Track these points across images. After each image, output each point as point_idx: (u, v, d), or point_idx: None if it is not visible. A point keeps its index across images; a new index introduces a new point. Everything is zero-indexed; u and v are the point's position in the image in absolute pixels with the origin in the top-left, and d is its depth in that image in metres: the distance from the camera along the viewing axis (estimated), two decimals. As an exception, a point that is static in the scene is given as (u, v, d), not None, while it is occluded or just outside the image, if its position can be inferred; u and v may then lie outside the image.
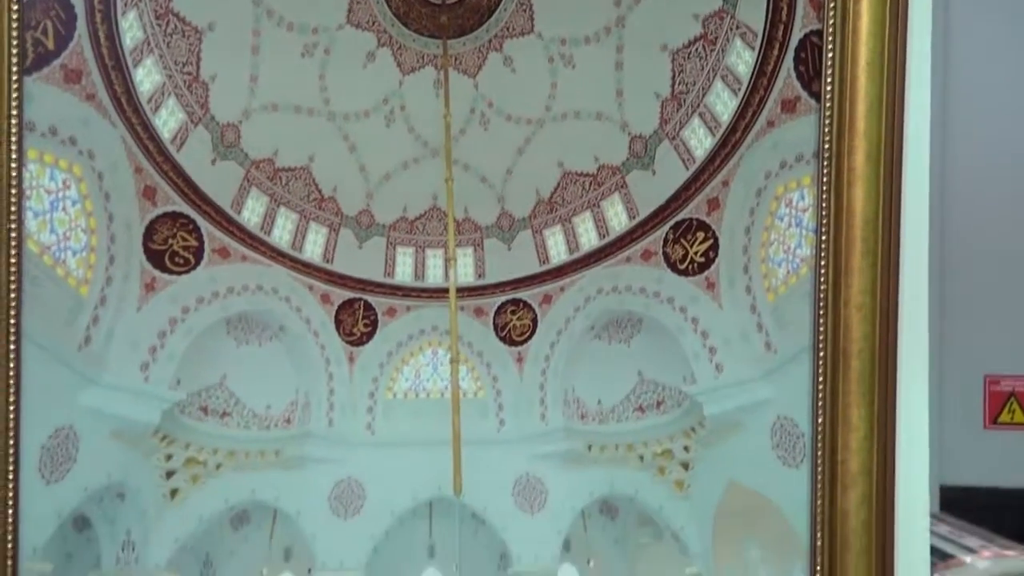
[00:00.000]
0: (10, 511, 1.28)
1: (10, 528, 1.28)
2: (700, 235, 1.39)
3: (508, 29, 1.35)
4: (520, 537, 1.39)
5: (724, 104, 1.37)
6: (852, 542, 1.37)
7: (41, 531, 1.28)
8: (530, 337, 1.39)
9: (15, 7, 1.26)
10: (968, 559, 1.86)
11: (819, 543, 1.37)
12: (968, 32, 2.50)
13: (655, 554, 1.44)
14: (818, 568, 1.37)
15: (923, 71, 1.36)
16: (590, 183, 1.38)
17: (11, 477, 1.27)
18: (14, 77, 1.27)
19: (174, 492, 1.34)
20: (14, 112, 1.27)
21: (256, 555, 1.37)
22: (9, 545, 1.28)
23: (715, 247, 1.38)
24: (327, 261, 1.36)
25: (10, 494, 1.28)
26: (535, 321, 1.39)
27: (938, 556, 1.75)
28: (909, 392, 1.39)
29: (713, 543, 1.42)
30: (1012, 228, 2.48)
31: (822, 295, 1.35)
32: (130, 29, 1.30)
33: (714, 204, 1.37)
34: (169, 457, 1.34)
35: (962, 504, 2.19)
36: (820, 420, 1.36)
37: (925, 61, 1.36)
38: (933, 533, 1.54)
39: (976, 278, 2.46)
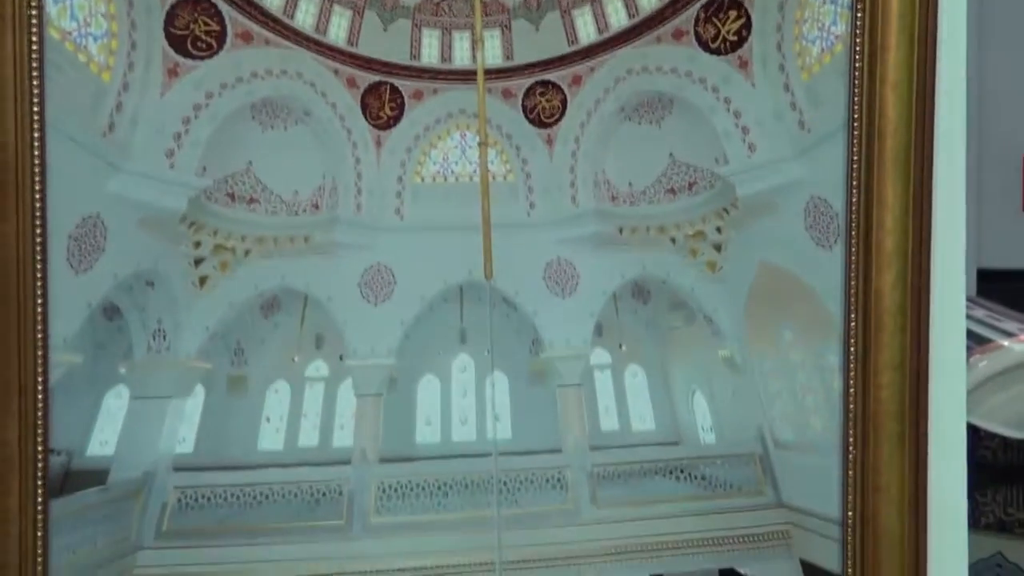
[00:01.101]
0: (39, 301, 1.33)
1: (39, 319, 1.34)
2: (732, 13, 1.45)
3: None
4: (551, 322, 1.49)
5: None
6: (886, 323, 1.44)
7: (71, 321, 1.37)
8: (560, 119, 1.48)
9: None
10: (1006, 343, 1.86)
11: (852, 324, 1.45)
12: None
13: (687, 337, 1.53)
14: (852, 349, 1.45)
15: None
16: None
17: (39, 267, 1.33)
18: None
19: (203, 280, 1.43)
20: None
21: (287, 342, 1.47)
22: (39, 336, 1.34)
23: (748, 25, 1.45)
24: (352, 44, 1.43)
25: (39, 284, 1.33)
26: (564, 103, 1.47)
27: (974, 340, 1.87)
28: (945, 172, 1.45)
29: (745, 325, 1.52)
30: None
31: (857, 73, 1.40)
32: None
33: None
34: (197, 244, 1.43)
35: (1000, 288, 2.29)
36: (855, 200, 1.44)
37: None
38: (969, 317, 1.66)
39: (1017, 56, 2.48)
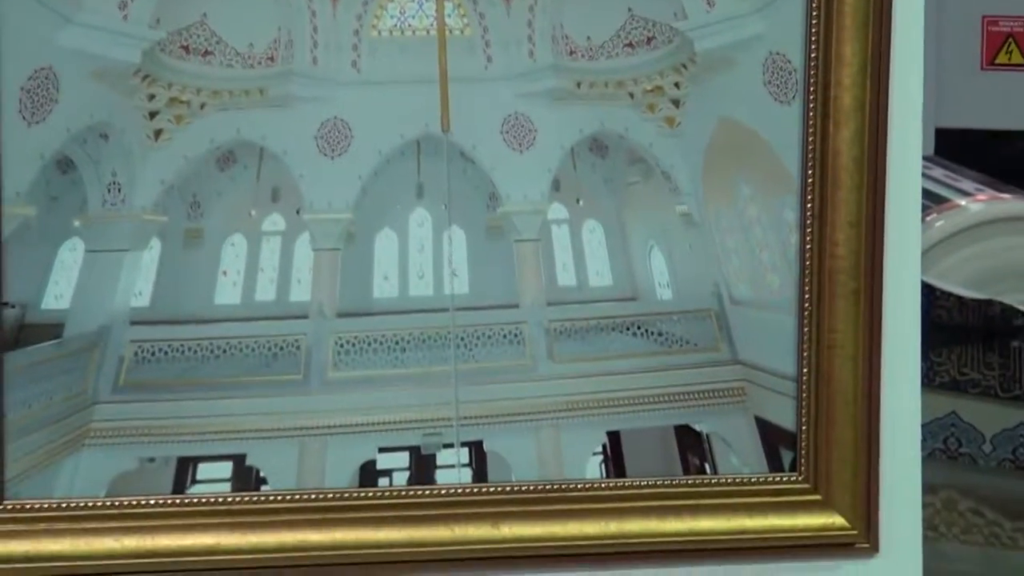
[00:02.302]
0: None
1: None
2: None
3: None
4: (509, 176, 1.50)
5: None
6: (843, 179, 1.47)
7: (24, 174, 1.39)
8: None
9: None
10: (963, 202, 1.97)
11: (810, 180, 1.48)
12: None
13: (645, 193, 1.55)
14: (809, 206, 1.48)
15: None
16: None
17: None
18: None
19: (158, 133, 1.44)
20: None
21: (243, 196, 1.48)
22: None
23: None
24: None
25: None
26: None
27: (932, 199, 1.96)
28: (904, 30, 1.47)
29: (703, 181, 1.54)
30: None
31: None
32: None
33: None
34: (152, 97, 1.43)
35: (958, 147, 2.34)
36: (813, 55, 1.46)
37: None
38: (927, 176, 1.66)
39: None
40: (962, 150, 2.24)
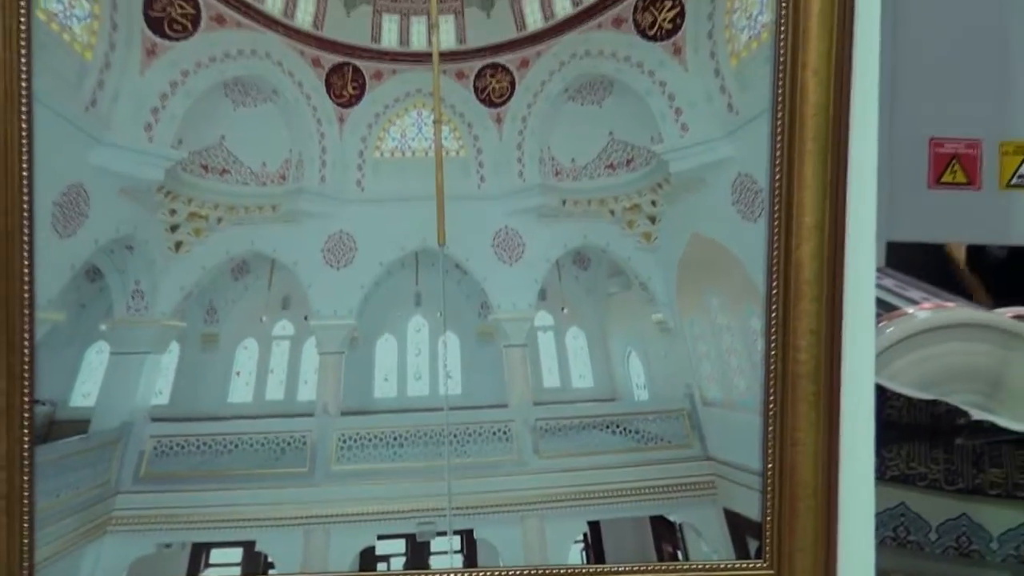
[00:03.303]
0: (25, 264, 1.44)
1: (26, 280, 1.44)
2: (668, 3, 1.55)
3: None
4: (499, 286, 1.58)
5: None
6: (805, 291, 1.55)
7: (55, 283, 1.46)
8: (508, 99, 1.56)
9: None
10: (911, 310, 2.04)
11: (774, 292, 1.55)
12: None
13: (624, 302, 1.62)
14: (773, 315, 1.55)
15: None
16: None
17: (26, 232, 1.44)
18: None
19: (179, 245, 1.53)
20: None
21: (256, 303, 1.56)
22: (25, 296, 1.44)
23: (682, 14, 1.55)
24: (317, 28, 1.53)
25: (25, 248, 1.44)
26: (513, 84, 1.56)
27: (883, 307, 2.03)
28: (859, 153, 1.55)
29: (677, 292, 1.61)
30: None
31: (781, 59, 1.51)
32: None
33: None
34: (173, 212, 1.52)
35: (907, 259, 2.43)
36: (778, 177, 1.53)
37: None
38: (879, 287, 1.78)
39: (925, 48, 2.70)
40: (911, 261, 2.36)
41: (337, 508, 1.56)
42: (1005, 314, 2.17)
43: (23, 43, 1.41)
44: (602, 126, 1.59)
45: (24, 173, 1.43)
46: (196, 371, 1.55)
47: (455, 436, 1.57)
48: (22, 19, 1.41)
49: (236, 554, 1.53)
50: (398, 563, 1.55)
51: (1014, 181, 2.76)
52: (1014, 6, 2.76)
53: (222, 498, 1.54)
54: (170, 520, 1.53)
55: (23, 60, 1.41)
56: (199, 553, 1.53)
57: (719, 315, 1.62)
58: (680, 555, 1.60)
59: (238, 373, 1.56)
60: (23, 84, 1.42)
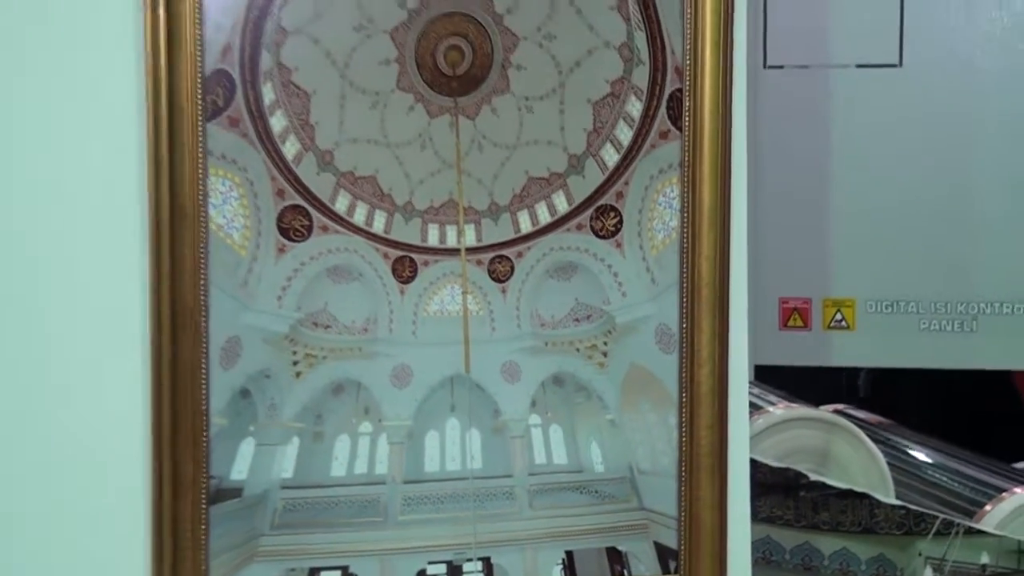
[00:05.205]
0: (203, 388, 1.73)
1: (203, 397, 1.73)
2: (612, 214, 1.89)
3: (494, 90, 1.83)
4: (505, 398, 1.90)
5: (624, 134, 1.87)
6: (702, 399, 1.91)
7: (221, 399, 1.74)
8: (510, 278, 1.87)
9: (199, 83, 1.69)
10: (770, 409, 2.56)
11: (684, 399, 1.89)
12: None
13: (586, 408, 1.93)
14: (683, 415, 1.89)
15: (741, 114, 1.84)
16: (544, 184, 1.87)
17: (203, 367, 1.73)
18: (199, 124, 1.67)
19: (298, 374, 1.81)
20: (200, 145, 1.68)
21: (347, 412, 1.85)
22: (203, 407, 1.72)
23: (621, 222, 1.89)
24: (386, 232, 1.83)
25: (203, 377, 1.73)
26: (512, 268, 1.87)
27: (753, 407, 2.42)
28: (736, 308, 1.88)
29: (621, 401, 1.93)
30: (809, 192, 3.48)
31: (685, 250, 1.86)
32: (267, 93, 1.73)
33: (620, 195, 1.88)
34: (294, 353, 1.80)
35: (768, 376, 3.00)
36: (685, 326, 1.87)
37: (742, 108, 1.86)
38: (751, 394, 2.07)
39: (776, 237, 3.43)
40: (770, 377, 2.86)
41: (402, 544, 1.85)
42: (828, 409, 2.68)
43: (202, 246, 1.71)
44: (570, 294, 1.92)
45: (204, 330, 1.71)
46: (309, 456, 1.81)
47: (477, 496, 1.85)
48: (201, 230, 1.71)
49: (336, 575, 1.82)
50: (442, 580, 1.71)
51: (832, 324, 3.55)
52: (835, 185, 3.47)
53: (327, 538, 1.82)
54: (293, 553, 1.80)
55: (202, 257, 1.70)
56: (313, 575, 1.82)
57: (648, 415, 1.94)
58: (626, 572, 1.90)
59: (336, 457, 1.83)
60: (202, 273, 1.70)
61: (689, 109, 1.85)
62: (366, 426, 1.87)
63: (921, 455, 2.77)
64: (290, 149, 1.78)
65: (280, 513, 1.82)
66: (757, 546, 2.44)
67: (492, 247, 1.89)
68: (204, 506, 1.75)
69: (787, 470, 2.42)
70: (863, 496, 2.52)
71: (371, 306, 1.85)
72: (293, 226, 1.81)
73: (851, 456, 2.60)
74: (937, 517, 2.48)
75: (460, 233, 1.86)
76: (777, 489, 2.50)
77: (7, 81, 1.65)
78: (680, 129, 1.87)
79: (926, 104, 3.62)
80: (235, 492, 1.79)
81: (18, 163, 1.67)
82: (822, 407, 2.75)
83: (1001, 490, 2.58)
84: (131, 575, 1.71)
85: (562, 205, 1.90)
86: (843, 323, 3.64)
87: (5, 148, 1.67)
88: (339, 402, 1.86)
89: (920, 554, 2.48)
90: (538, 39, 1.84)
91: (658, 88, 1.87)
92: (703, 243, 1.88)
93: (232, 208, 1.77)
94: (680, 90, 1.86)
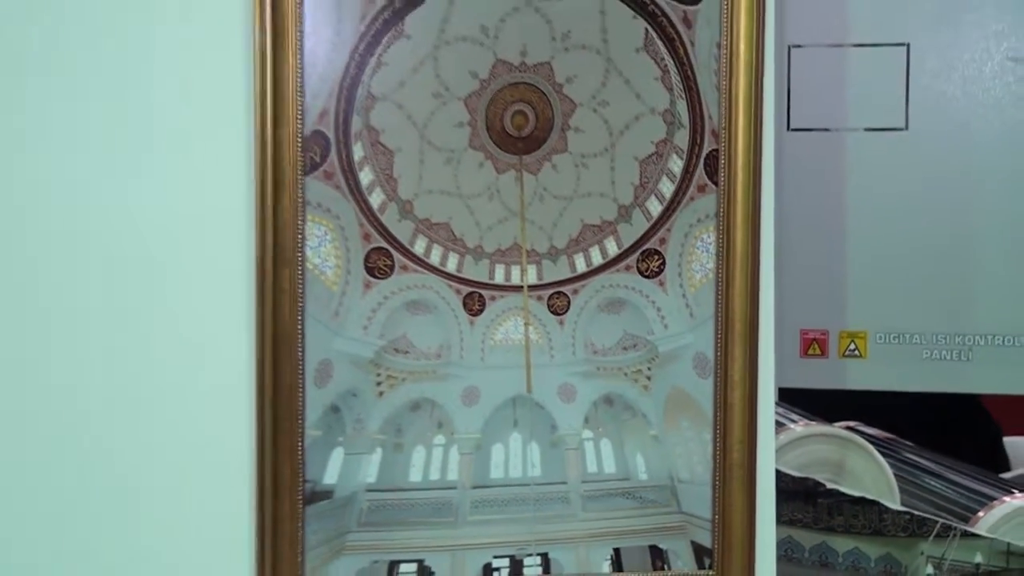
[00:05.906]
0: (300, 404, 1.78)
1: (300, 414, 1.79)
2: (656, 257, 1.93)
3: (554, 149, 1.90)
4: (561, 416, 1.92)
5: (667, 188, 1.92)
6: (735, 418, 1.94)
7: (315, 414, 1.81)
8: (566, 311, 1.91)
9: (299, 142, 1.78)
10: (791, 426, 2.62)
11: (718, 419, 1.92)
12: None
13: (633, 425, 1.96)
14: (718, 431, 1.92)
15: (769, 171, 1.97)
16: (597, 230, 1.91)
17: (300, 386, 1.79)
18: (299, 177, 1.77)
19: (381, 393, 1.86)
20: (299, 195, 1.77)
21: (423, 426, 1.89)
22: (300, 422, 1.78)
23: (664, 264, 1.93)
24: (459, 271, 1.88)
25: (300, 395, 1.79)
26: (569, 303, 1.92)
27: (777, 425, 2.39)
28: (763, 339, 1.91)
29: (663, 419, 1.95)
30: (827, 239, 3.57)
31: (720, 288, 1.91)
32: (357, 151, 1.82)
33: (663, 241, 1.92)
34: (378, 374, 1.85)
35: (791, 397, 3.03)
36: (719, 353, 1.90)
37: (770, 165, 2.02)
38: (776, 413, 2.17)
39: (798, 277, 3.54)
40: (793, 399, 2.85)
41: (470, 541, 1.89)
42: (841, 426, 2.74)
43: (300, 282, 1.78)
44: (619, 326, 1.95)
45: (300, 354, 1.78)
46: (391, 464, 1.87)
47: (536, 500, 1.91)
48: (299, 268, 1.77)
49: (413, 567, 1.87)
50: (504, 574, 1.89)
51: (846, 353, 3.66)
52: (849, 233, 3.56)
53: (406, 535, 1.87)
54: (377, 548, 1.86)
55: (300, 291, 1.78)
56: (394, 566, 1.87)
57: (686, 431, 1.97)
58: (666, 567, 1.95)
59: (413, 465, 1.90)
60: (299, 306, 1.78)
61: (724, 166, 1.90)
62: (440, 438, 1.92)
63: (923, 467, 2.81)
64: (376, 199, 1.84)
65: (365, 513, 1.87)
66: (780, 545, 2.47)
67: (551, 285, 1.93)
68: (300, 506, 1.81)
69: (807, 479, 2.48)
70: (873, 502, 2.60)
71: (444, 335, 1.90)
72: (378, 265, 1.87)
73: (863, 467, 2.69)
74: (937, 521, 2.53)
75: (523, 272, 1.90)
76: (798, 496, 2.62)
77: (145, 140, 1.80)
78: (716, 184, 1.91)
79: (929, 163, 3.72)
80: (327, 494, 1.85)
81: (150, 212, 1.82)
82: (836, 424, 2.85)
83: (992, 498, 2.63)
84: (238, 565, 1.80)
85: (612, 249, 1.95)
86: (856, 352, 3.75)
87: (138, 200, 1.81)
88: (416, 417, 1.91)
89: (922, 553, 2.55)
90: (593, 105, 1.90)
91: (697, 148, 1.91)
92: (735, 282, 1.92)
93: (326, 250, 1.83)
94: (716, 150, 1.90)
